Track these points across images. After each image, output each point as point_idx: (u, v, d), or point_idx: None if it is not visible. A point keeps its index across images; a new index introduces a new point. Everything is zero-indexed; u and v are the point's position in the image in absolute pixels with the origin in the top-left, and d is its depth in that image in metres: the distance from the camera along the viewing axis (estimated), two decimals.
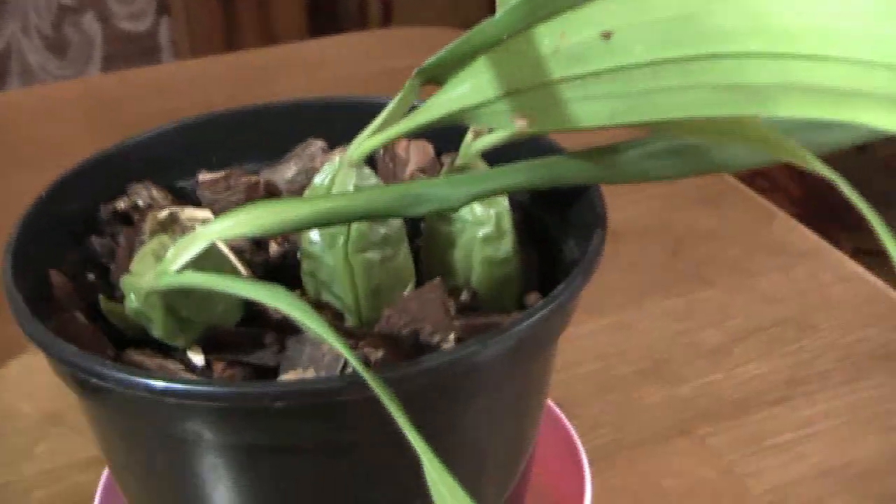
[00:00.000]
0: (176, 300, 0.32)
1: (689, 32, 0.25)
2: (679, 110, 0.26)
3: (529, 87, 0.31)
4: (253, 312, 0.36)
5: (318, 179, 0.36)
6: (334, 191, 0.35)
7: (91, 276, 0.38)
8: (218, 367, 0.34)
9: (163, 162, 0.43)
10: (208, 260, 0.32)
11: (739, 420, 0.53)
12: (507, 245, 0.38)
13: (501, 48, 0.31)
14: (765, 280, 0.64)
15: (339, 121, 0.45)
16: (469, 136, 0.38)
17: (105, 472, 0.46)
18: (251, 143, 0.45)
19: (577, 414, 0.50)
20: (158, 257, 0.32)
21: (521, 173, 0.35)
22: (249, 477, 0.33)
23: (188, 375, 0.33)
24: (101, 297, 0.34)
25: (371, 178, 0.36)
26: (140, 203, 0.41)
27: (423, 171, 0.43)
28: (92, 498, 0.48)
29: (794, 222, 0.70)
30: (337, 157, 0.36)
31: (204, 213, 0.34)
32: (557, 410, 0.48)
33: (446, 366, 0.30)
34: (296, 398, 0.29)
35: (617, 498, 0.48)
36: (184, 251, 0.31)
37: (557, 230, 0.41)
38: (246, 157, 0.44)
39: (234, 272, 0.33)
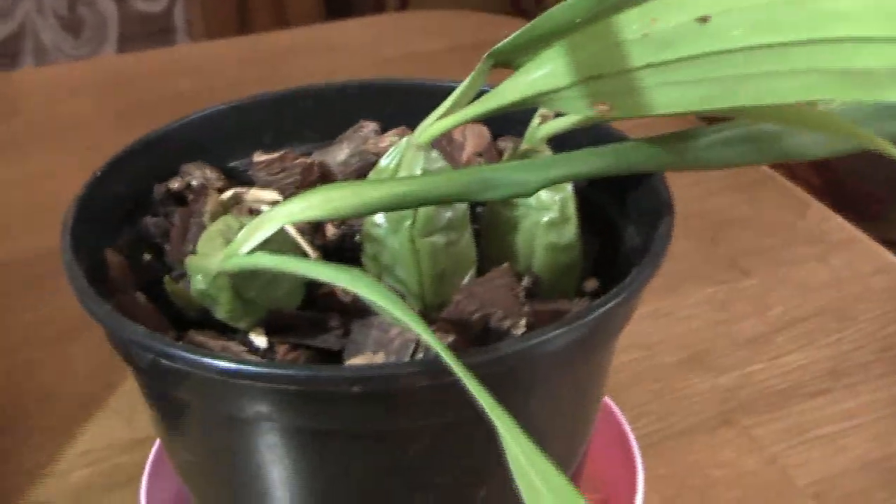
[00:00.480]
0: (243, 282, 0.32)
1: (794, 16, 0.25)
2: (777, 95, 0.26)
3: (611, 72, 0.30)
4: (312, 296, 0.35)
5: (384, 162, 0.35)
6: (401, 173, 0.34)
7: (146, 257, 0.38)
8: (281, 349, 0.34)
9: (213, 142, 0.42)
10: (273, 242, 0.32)
11: (782, 411, 0.53)
12: (570, 231, 0.38)
13: (580, 33, 0.30)
14: (803, 270, 0.63)
15: (390, 103, 0.45)
16: (536, 120, 0.37)
17: (153, 452, 0.46)
18: (302, 124, 0.44)
19: (620, 402, 0.49)
20: (226, 238, 0.32)
21: (594, 159, 0.34)
22: (313, 460, 0.33)
23: (255, 358, 0.32)
24: (166, 278, 0.34)
25: (438, 162, 0.35)
26: (194, 183, 0.40)
27: (480, 155, 0.42)
28: (132, 479, 0.47)
29: (829, 212, 0.69)
30: (404, 140, 0.35)
31: (270, 195, 0.33)
32: (607, 399, 0.47)
33: (527, 351, 0.30)
34: (378, 383, 0.28)
35: (664, 486, 0.48)
36: (255, 233, 0.30)
37: (616, 216, 0.40)
38: (296, 139, 0.44)
39: (301, 254, 0.33)
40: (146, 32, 1.49)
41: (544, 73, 0.31)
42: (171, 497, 0.45)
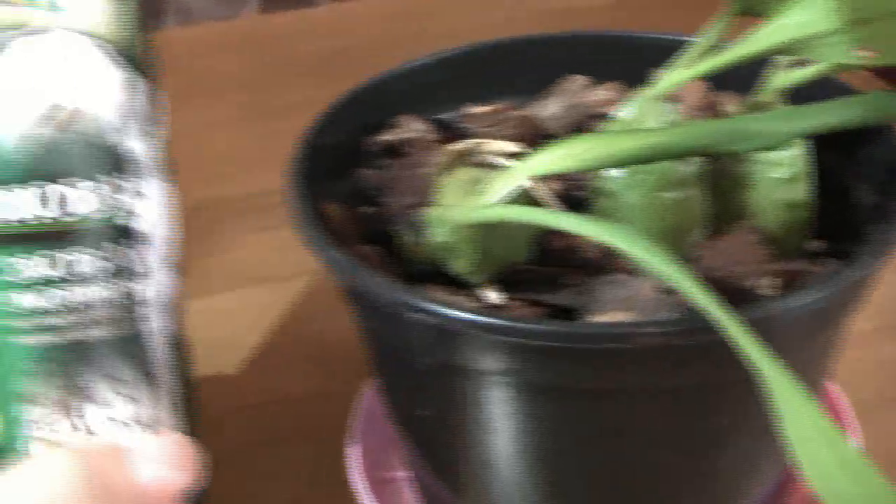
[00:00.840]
0: (486, 234, 0.31)
1: None
2: None
3: (880, 15, 0.29)
4: (543, 252, 0.35)
5: (621, 114, 0.34)
6: (641, 125, 0.33)
7: (366, 209, 0.37)
8: (514, 305, 0.33)
9: (421, 95, 0.42)
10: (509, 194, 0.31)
11: None
12: (802, 188, 0.36)
13: None
14: None
15: (596, 56, 0.43)
16: (774, 72, 0.36)
17: (360, 405, 0.45)
18: (507, 77, 0.43)
19: None
20: (470, 190, 0.31)
21: (845, 109, 0.33)
22: (549, 418, 0.32)
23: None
24: (402, 230, 0.33)
25: (674, 115, 0.34)
26: (407, 136, 0.40)
27: (699, 109, 0.40)
28: (332, 431, 0.47)
29: None
30: (641, 93, 0.34)
31: (510, 146, 0.32)
32: None
33: (794, 311, 0.28)
34: (654, 338, 0.27)
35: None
36: (504, 183, 0.29)
37: (844, 174, 0.38)
38: (502, 92, 0.43)
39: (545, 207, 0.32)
40: None
41: (803, 18, 0.30)
42: (381, 449, 0.45)
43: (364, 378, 0.48)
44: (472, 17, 0.88)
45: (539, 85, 0.43)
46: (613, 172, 0.34)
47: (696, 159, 0.34)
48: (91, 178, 0.31)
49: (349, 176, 0.39)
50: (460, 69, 0.42)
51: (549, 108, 0.41)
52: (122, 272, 0.32)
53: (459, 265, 0.32)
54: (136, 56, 0.32)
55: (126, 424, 0.32)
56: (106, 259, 0.31)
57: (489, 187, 0.30)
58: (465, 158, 0.33)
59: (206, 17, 1.59)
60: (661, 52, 0.42)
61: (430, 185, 0.36)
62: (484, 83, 0.42)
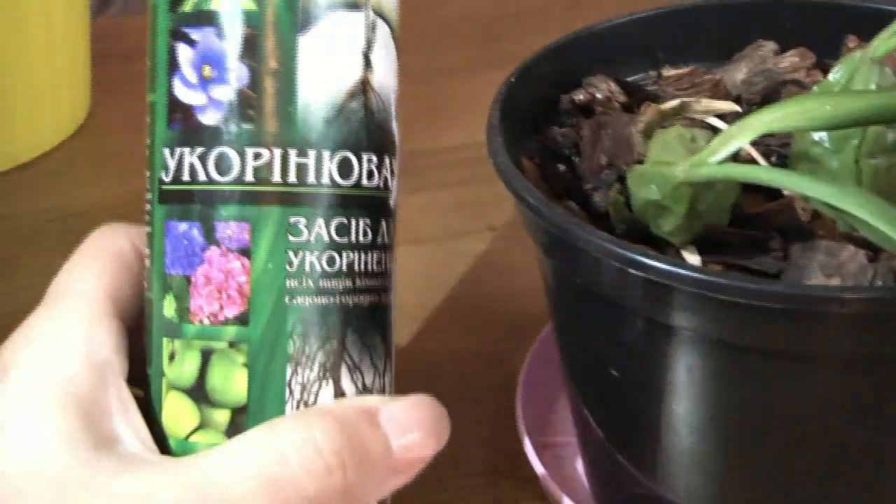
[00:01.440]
0: (700, 193, 0.31)
1: None
2: None
3: None
4: (740, 216, 0.34)
5: (833, 76, 0.33)
6: (853, 88, 0.33)
7: (560, 167, 0.37)
8: (714, 269, 0.32)
9: (611, 55, 0.41)
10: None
11: None
12: None
13: None
14: None
15: (785, 21, 0.43)
16: None
17: (527, 362, 0.45)
18: (695, 41, 0.42)
19: None
20: (687, 148, 0.30)
21: None
22: (756, 385, 0.32)
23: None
24: (614, 187, 0.33)
25: (891, 78, 0.33)
26: (599, 95, 0.39)
27: None
28: (496, 388, 0.47)
29: None
30: (857, 54, 0.33)
31: (727, 105, 0.32)
32: None
33: None
34: (869, 305, 0.27)
35: None
36: (729, 142, 0.29)
37: None
38: (690, 56, 0.42)
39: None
40: None
41: None
42: (544, 413, 0.45)
43: (521, 341, 0.48)
44: None
45: (725, 50, 0.42)
46: (819, 136, 0.33)
47: None
48: (378, 153, 0.33)
49: (540, 133, 0.39)
50: (653, 30, 0.42)
51: (739, 74, 0.41)
52: (385, 245, 0.33)
53: (667, 224, 0.32)
54: (399, 41, 0.34)
55: (370, 392, 0.33)
56: (377, 230, 0.33)
57: (712, 145, 0.29)
58: (672, 118, 0.33)
59: None
60: (845, 19, 0.41)
61: (627, 145, 0.36)
62: (675, 46, 0.42)
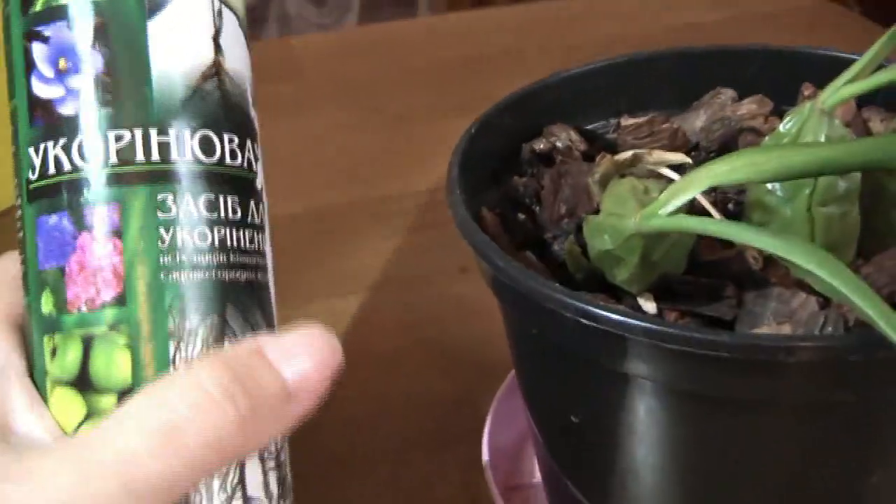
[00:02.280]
0: (652, 243, 0.31)
1: None
2: None
3: None
4: (696, 263, 0.35)
5: (783, 127, 0.34)
6: (803, 139, 0.33)
7: (520, 216, 0.38)
8: (670, 316, 0.33)
9: (571, 104, 0.42)
10: None
11: None
12: None
13: None
14: None
15: (744, 69, 0.43)
16: None
17: (492, 407, 0.46)
18: (655, 89, 0.43)
19: None
20: (638, 199, 0.31)
21: None
22: (699, 427, 0.32)
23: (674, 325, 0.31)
24: (569, 237, 0.33)
25: (841, 129, 0.34)
26: (559, 145, 0.40)
27: (847, 125, 0.40)
28: (457, 436, 0.48)
29: None
30: (806, 105, 0.34)
31: (677, 156, 0.33)
32: None
33: None
34: (817, 353, 0.27)
35: None
36: (678, 194, 0.30)
37: None
38: (649, 104, 0.43)
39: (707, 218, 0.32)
40: (388, 1, 1.51)
41: None
42: (511, 455, 0.45)
43: (491, 384, 0.49)
44: (600, 30, 0.88)
45: (685, 98, 0.43)
46: (772, 186, 0.34)
47: (857, 175, 0.34)
48: (239, 134, 0.33)
49: (501, 183, 0.40)
50: (613, 79, 0.43)
51: (698, 121, 0.42)
52: (256, 225, 0.33)
53: (621, 274, 0.32)
54: (247, 32, 0.35)
55: None
56: (246, 209, 0.33)
57: (662, 197, 0.30)
58: (627, 168, 0.34)
59: (306, 25, 1.62)
60: (803, 66, 0.42)
61: (586, 194, 0.37)
62: (635, 95, 0.42)
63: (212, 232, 0.32)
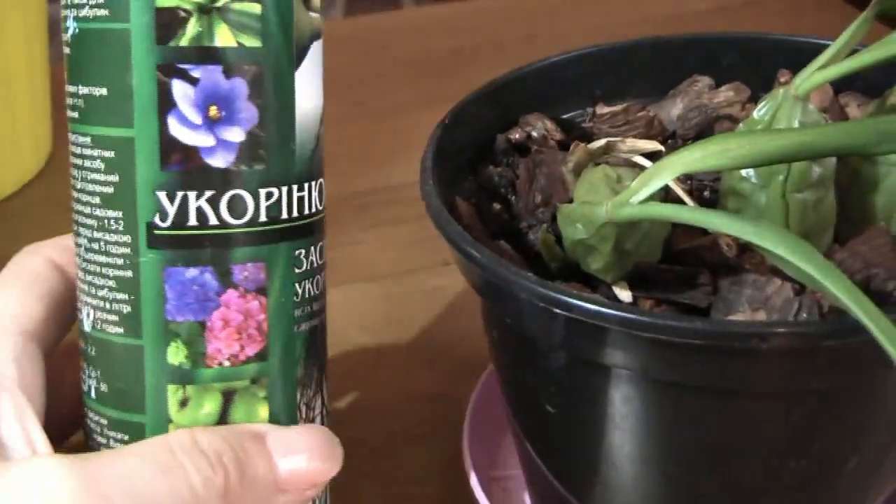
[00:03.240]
0: (625, 232, 0.31)
1: None
2: None
3: None
4: (669, 250, 0.35)
5: (757, 113, 0.34)
6: (777, 125, 0.33)
7: (496, 206, 0.37)
8: (645, 304, 0.33)
9: (548, 94, 0.42)
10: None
11: None
12: None
13: None
14: None
15: (721, 57, 0.43)
16: None
17: (471, 402, 0.46)
18: (632, 78, 0.43)
19: None
20: (611, 188, 0.31)
21: None
22: (676, 416, 0.32)
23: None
24: (543, 227, 0.33)
25: (815, 115, 0.33)
26: (534, 134, 0.40)
27: (824, 111, 0.40)
28: (436, 430, 0.48)
29: None
30: (780, 91, 0.33)
31: (650, 144, 0.32)
32: None
33: None
34: (791, 339, 0.27)
35: None
36: (649, 181, 0.30)
37: None
38: (626, 93, 0.43)
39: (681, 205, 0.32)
40: None
41: None
42: (491, 447, 0.45)
43: (473, 377, 0.48)
44: (583, 22, 0.88)
45: (662, 86, 0.43)
46: (745, 173, 0.34)
47: (832, 160, 0.34)
48: (322, 176, 0.34)
49: (477, 174, 0.39)
50: (590, 68, 0.43)
51: (675, 109, 0.41)
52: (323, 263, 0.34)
53: (595, 263, 0.32)
54: None
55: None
56: (322, 249, 0.34)
57: (633, 185, 0.30)
58: (601, 156, 0.33)
59: None
60: (781, 53, 0.42)
61: (561, 183, 0.36)
62: (612, 83, 0.42)
63: (321, 279, 0.33)
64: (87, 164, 0.31)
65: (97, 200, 0.31)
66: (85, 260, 0.32)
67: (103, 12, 0.30)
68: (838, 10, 0.89)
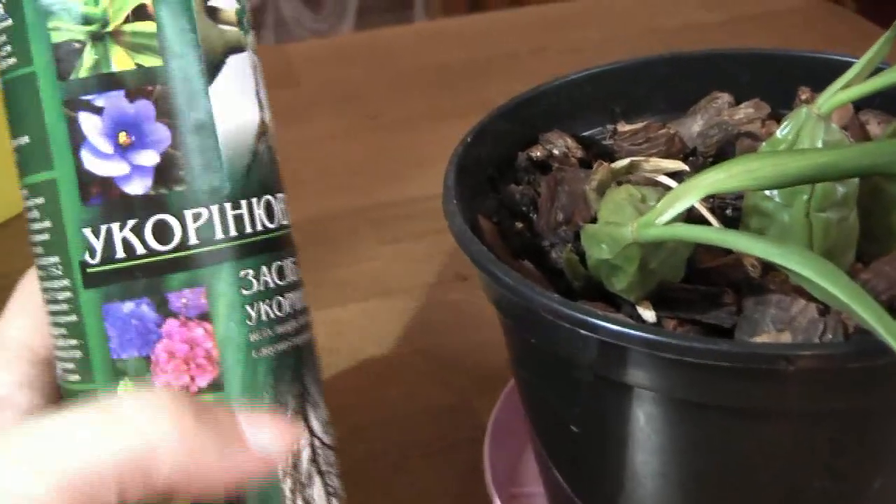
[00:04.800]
0: (650, 252, 0.31)
1: None
2: None
3: None
4: (694, 270, 0.35)
5: (780, 132, 0.34)
6: (801, 145, 0.33)
7: (516, 224, 0.37)
8: (669, 324, 0.33)
9: (567, 111, 0.42)
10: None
11: None
12: None
13: None
14: None
15: (740, 74, 0.43)
16: None
17: (493, 416, 0.46)
18: (652, 95, 0.43)
19: None
20: (636, 208, 0.31)
21: None
22: (709, 439, 0.32)
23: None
24: (567, 246, 0.33)
25: (838, 134, 0.33)
26: (555, 152, 0.40)
27: (844, 128, 0.40)
28: (454, 445, 0.48)
29: None
30: (803, 110, 0.33)
31: (674, 164, 0.32)
32: None
33: None
34: (817, 361, 0.27)
35: None
36: (675, 202, 0.30)
37: None
38: (646, 110, 0.43)
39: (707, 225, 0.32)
40: (385, 6, 1.51)
41: None
42: (511, 464, 0.45)
43: (489, 392, 0.48)
44: (596, 33, 0.88)
45: (682, 102, 0.43)
46: (769, 192, 0.34)
47: (855, 179, 0.34)
48: (280, 190, 0.32)
49: (498, 191, 0.39)
50: (610, 85, 0.43)
51: (695, 126, 0.41)
52: (300, 280, 0.32)
53: (619, 282, 0.32)
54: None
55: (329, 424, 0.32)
56: (296, 266, 0.32)
57: (659, 206, 0.30)
58: (624, 175, 0.33)
59: (303, 30, 1.62)
60: (799, 70, 0.42)
61: (583, 201, 0.36)
62: (632, 100, 0.42)
63: (285, 299, 0.31)
64: (30, 215, 0.30)
65: (40, 250, 0.30)
66: (48, 313, 0.31)
67: (13, 60, 0.29)
68: (849, 22, 0.89)
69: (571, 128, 0.42)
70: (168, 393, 0.27)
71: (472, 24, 0.98)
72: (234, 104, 0.30)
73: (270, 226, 0.31)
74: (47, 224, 0.30)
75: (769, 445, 0.32)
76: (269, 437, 0.28)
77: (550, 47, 0.87)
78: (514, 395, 0.46)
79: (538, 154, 0.40)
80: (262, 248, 0.30)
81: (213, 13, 0.30)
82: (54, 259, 0.30)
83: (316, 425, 0.32)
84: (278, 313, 0.31)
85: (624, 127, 0.39)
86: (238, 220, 0.30)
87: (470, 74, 0.85)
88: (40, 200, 0.30)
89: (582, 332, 0.29)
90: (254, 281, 0.30)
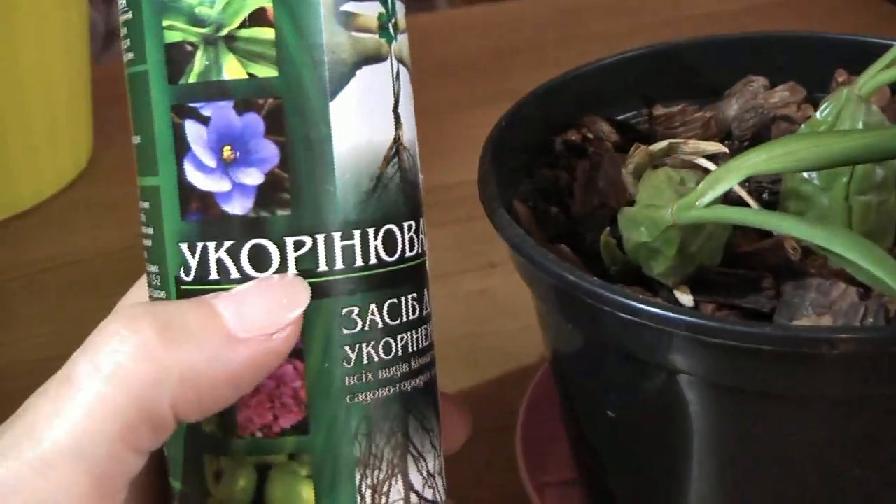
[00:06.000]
0: (689, 235, 0.31)
1: None
2: None
3: None
4: (732, 254, 0.34)
5: (820, 114, 0.33)
6: (841, 126, 0.33)
7: (552, 209, 0.37)
8: (707, 308, 0.33)
9: (602, 95, 0.42)
10: None
11: None
12: None
13: None
14: None
15: (775, 56, 0.43)
16: None
17: (525, 402, 0.45)
18: (686, 78, 0.43)
19: None
20: (676, 190, 0.31)
21: None
22: (749, 426, 0.32)
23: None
24: (605, 230, 0.33)
25: (878, 115, 0.33)
26: (591, 136, 0.40)
27: (882, 110, 0.40)
28: (495, 429, 0.47)
29: None
30: (843, 92, 0.33)
31: (713, 146, 0.32)
32: None
33: None
34: (860, 345, 0.27)
35: None
36: (716, 184, 0.29)
37: None
38: (680, 93, 0.42)
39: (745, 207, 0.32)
40: None
41: None
42: (543, 452, 0.45)
43: (519, 380, 0.48)
44: (619, 23, 0.88)
45: (716, 86, 0.42)
46: (808, 175, 0.34)
47: (894, 162, 0.34)
48: (415, 217, 0.30)
49: (533, 176, 0.39)
50: (644, 69, 0.42)
51: (730, 110, 0.41)
52: (429, 313, 0.30)
53: (658, 266, 0.32)
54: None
55: (437, 479, 0.30)
56: (422, 301, 0.30)
57: (699, 188, 0.30)
58: (661, 158, 0.33)
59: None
60: (833, 52, 0.42)
61: (620, 185, 0.36)
62: (666, 84, 0.42)
63: (396, 341, 0.28)
64: (141, 217, 0.29)
65: (146, 255, 0.29)
66: None
67: (131, 55, 0.28)
68: (874, 8, 0.88)
69: (605, 112, 0.41)
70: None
71: (496, 13, 0.98)
72: (360, 122, 0.27)
73: (388, 259, 0.28)
74: (151, 231, 0.28)
75: (810, 432, 0.31)
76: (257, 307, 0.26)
77: (574, 36, 0.87)
78: (546, 383, 0.46)
79: (574, 138, 0.39)
80: (374, 283, 0.28)
81: (346, 20, 0.27)
82: (154, 268, 0.29)
83: (416, 479, 0.29)
84: (384, 356, 0.28)
85: (660, 110, 0.39)
86: (347, 251, 0.27)
87: (493, 63, 0.85)
88: (147, 205, 0.28)
89: (623, 315, 0.29)
90: (358, 320, 0.28)
